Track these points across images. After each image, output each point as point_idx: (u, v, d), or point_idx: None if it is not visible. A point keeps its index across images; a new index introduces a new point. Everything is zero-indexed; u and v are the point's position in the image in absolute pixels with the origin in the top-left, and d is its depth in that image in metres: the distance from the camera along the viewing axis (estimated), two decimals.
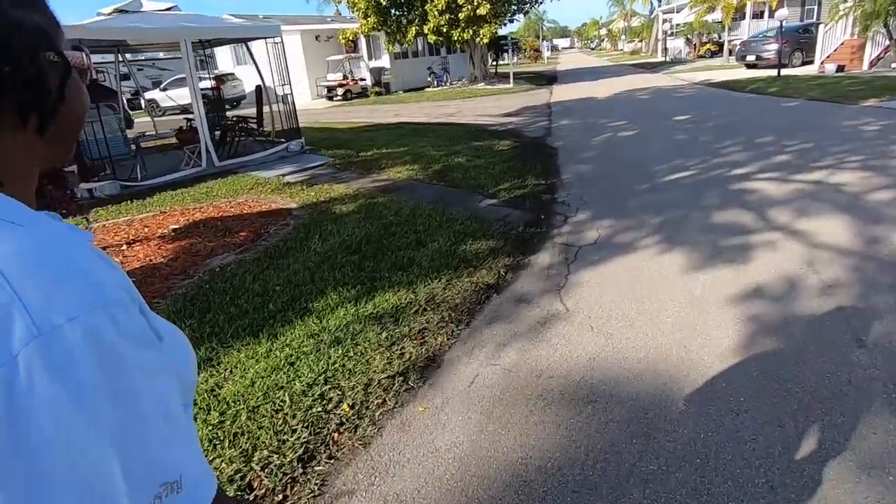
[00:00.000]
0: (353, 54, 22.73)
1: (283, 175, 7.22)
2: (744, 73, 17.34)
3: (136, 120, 16.53)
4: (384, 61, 22.96)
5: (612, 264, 3.63)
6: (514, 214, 4.89)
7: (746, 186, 5.10)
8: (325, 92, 21.51)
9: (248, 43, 9.24)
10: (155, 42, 9.21)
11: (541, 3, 23.91)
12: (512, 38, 22.98)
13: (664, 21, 34.43)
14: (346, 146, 9.15)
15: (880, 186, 4.70)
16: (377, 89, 21.68)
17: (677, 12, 31.87)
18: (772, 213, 4.31)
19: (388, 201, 5.40)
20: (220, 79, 21.80)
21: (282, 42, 8.51)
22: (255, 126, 8.90)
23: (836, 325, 2.64)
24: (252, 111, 9.19)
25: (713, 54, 27.47)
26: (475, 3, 17.59)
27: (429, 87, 23.58)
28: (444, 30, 18.72)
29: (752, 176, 5.44)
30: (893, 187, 4.64)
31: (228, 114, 10.57)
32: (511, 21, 22.87)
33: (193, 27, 7.48)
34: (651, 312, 2.94)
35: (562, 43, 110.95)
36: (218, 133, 8.70)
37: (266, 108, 8.94)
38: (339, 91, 20.83)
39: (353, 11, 19.38)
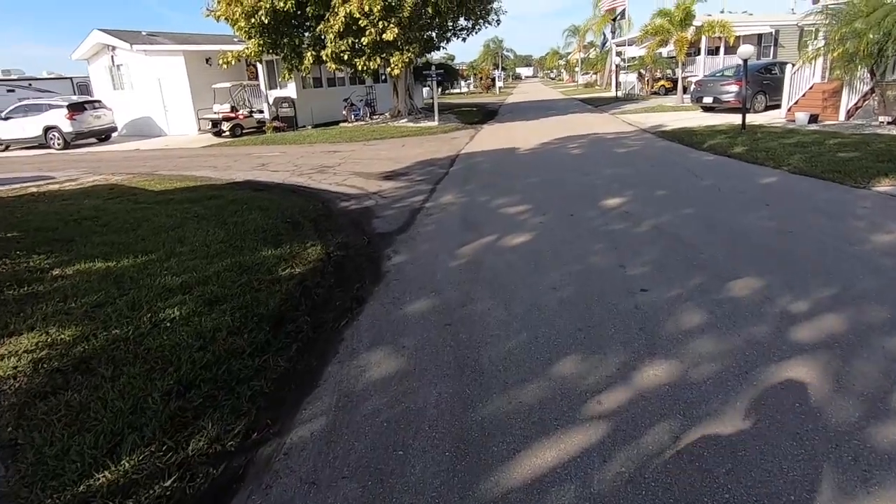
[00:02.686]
0: (248, 82, 19.08)
1: None
2: (700, 118, 14.60)
3: None
4: (290, 90, 19.37)
5: None
6: None
7: None
8: (209, 126, 17.70)
9: None
10: None
11: (477, 31, 20.91)
12: (438, 68, 19.78)
13: (617, 54, 32.33)
14: (71, 245, 5.46)
15: None
16: (276, 124, 17.99)
17: (629, 45, 29.77)
18: None
19: None
20: (78, 106, 17.59)
21: None
22: None
23: None
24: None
25: (667, 91, 25.19)
26: (380, 27, 14.28)
27: (345, 121, 20.10)
28: (346, 57, 15.31)
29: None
30: None
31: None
32: (438, 48, 19.74)
33: None
34: None
35: (525, 72, 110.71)
36: None
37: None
38: (226, 126, 17.06)
39: (234, 31, 15.78)
